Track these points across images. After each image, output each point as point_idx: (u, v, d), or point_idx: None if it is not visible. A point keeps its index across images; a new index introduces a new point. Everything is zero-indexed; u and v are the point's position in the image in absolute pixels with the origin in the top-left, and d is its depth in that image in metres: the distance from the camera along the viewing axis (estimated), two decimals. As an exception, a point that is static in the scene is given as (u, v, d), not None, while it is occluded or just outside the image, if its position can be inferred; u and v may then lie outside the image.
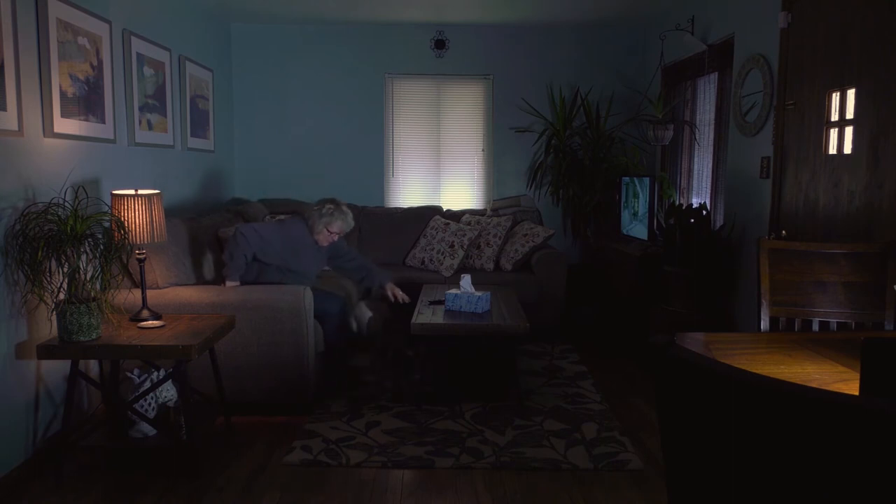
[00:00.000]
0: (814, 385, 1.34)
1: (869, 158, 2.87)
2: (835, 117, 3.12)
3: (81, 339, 2.73)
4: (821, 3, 3.23)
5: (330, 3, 5.05)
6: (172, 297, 3.35)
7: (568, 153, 5.59)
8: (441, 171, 6.00)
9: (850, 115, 3.01)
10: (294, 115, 5.86)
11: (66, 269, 2.73)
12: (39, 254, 2.64)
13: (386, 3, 5.05)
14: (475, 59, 5.83)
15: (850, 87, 3.00)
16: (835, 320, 2.49)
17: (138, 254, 3.05)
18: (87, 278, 2.80)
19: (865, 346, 1.31)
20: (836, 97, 3.11)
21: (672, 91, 5.25)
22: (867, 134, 2.88)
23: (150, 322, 3.01)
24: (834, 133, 3.13)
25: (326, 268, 4.13)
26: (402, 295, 4.06)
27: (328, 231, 3.79)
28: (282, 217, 4.50)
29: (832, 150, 3.14)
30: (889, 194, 2.75)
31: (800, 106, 3.38)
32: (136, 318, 3.04)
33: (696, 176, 4.99)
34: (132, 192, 3.00)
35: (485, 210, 5.72)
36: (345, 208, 3.83)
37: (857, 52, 2.94)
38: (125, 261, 3.24)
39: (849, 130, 3.02)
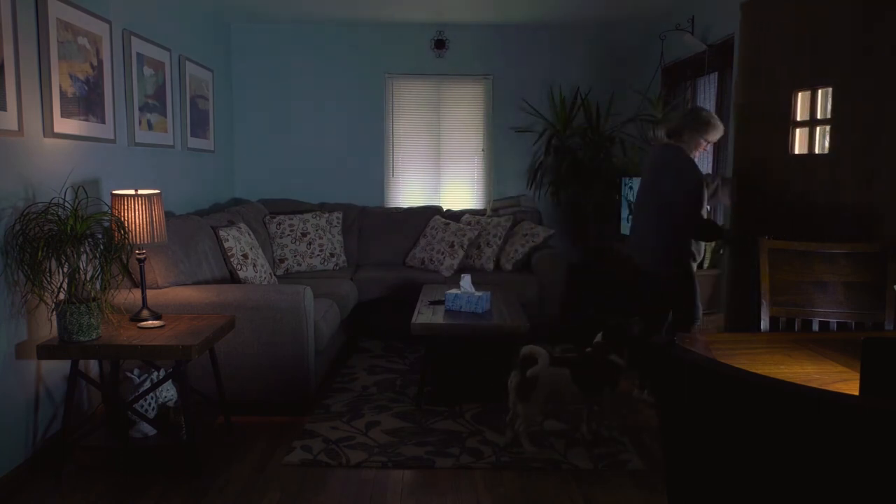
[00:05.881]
0: (814, 385, 1.34)
1: (869, 158, 2.87)
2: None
3: (81, 339, 2.73)
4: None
5: (330, 3, 5.05)
6: (172, 297, 3.35)
7: (568, 153, 5.59)
8: (441, 171, 5.99)
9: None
10: (294, 115, 5.86)
11: (66, 269, 2.73)
12: (39, 254, 2.64)
13: (386, 3, 5.05)
14: (475, 59, 5.83)
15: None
16: (835, 320, 2.49)
17: (138, 254, 3.05)
18: (87, 278, 2.80)
19: (865, 346, 1.31)
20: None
21: (672, 91, 5.24)
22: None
23: (150, 322, 3.01)
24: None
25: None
26: None
27: (705, 142, 3.34)
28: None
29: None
30: (887, 194, 2.74)
31: (800, 106, 3.37)
32: (136, 318, 3.04)
33: (696, 176, 4.98)
34: (132, 192, 3.00)
35: (485, 210, 5.72)
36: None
37: (854, 52, 2.94)
38: (125, 261, 3.23)
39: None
